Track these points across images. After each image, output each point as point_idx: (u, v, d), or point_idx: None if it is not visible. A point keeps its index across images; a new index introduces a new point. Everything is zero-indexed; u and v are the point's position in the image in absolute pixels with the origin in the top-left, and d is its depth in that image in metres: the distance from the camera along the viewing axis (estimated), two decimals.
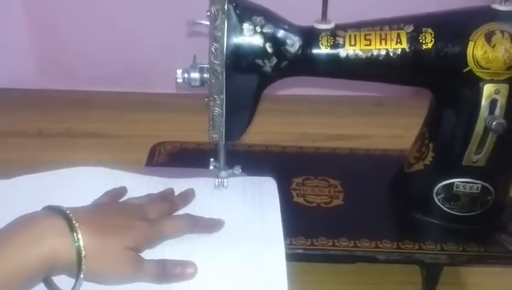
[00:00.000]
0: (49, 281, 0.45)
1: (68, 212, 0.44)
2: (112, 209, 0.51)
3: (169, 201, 0.56)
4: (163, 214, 0.53)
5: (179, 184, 0.60)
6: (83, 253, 0.43)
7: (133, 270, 0.47)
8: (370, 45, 0.51)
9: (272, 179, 0.61)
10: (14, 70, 0.91)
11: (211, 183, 0.59)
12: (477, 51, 0.50)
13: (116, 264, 0.46)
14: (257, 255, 0.52)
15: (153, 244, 0.50)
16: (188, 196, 0.58)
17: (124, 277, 0.47)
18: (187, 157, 0.67)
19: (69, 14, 0.88)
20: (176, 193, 0.59)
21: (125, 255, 0.46)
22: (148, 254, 0.50)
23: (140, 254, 0.49)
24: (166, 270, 0.48)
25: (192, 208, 0.57)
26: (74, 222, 0.43)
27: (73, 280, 0.44)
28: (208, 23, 0.49)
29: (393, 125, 0.80)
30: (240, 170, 0.58)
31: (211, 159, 0.59)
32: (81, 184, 0.59)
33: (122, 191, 0.57)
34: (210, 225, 0.54)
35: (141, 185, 0.60)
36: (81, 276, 0.43)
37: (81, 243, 0.43)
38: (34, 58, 0.92)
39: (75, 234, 0.43)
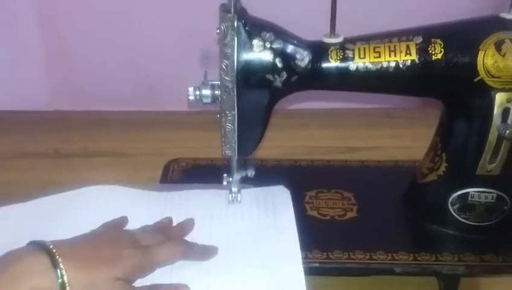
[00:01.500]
0: None
1: (51, 247, 0.43)
2: (100, 239, 0.49)
3: (164, 231, 0.54)
4: (156, 242, 0.51)
5: (192, 197, 0.60)
6: (67, 288, 0.42)
7: None
8: (379, 57, 0.50)
9: (284, 187, 0.61)
10: (30, 93, 0.92)
11: (224, 195, 0.59)
12: (487, 60, 0.49)
13: None
14: (275, 269, 0.51)
15: (146, 272, 0.48)
16: (185, 227, 0.56)
17: None
18: (200, 174, 0.67)
19: (82, 39, 0.89)
20: (187, 203, 0.58)
21: (113, 286, 0.44)
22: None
23: (132, 283, 0.47)
24: None
25: (207, 221, 0.56)
26: (57, 257, 0.42)
27: None
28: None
29: (402, 137, 0.79)
30: (254, 172, 0.57)
31: (224, 175, 0.58)
32: (96, 203, 0.58)
33: (122, 221, 0.55)
34: (203, 252, 0.52)
35: (157, 200, 0.60)
36: None
37: (65, 278, 0.42)
38: (49, 81, 0.93)
39: (58, 270, 0.42)
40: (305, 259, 0.52)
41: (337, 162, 0.70)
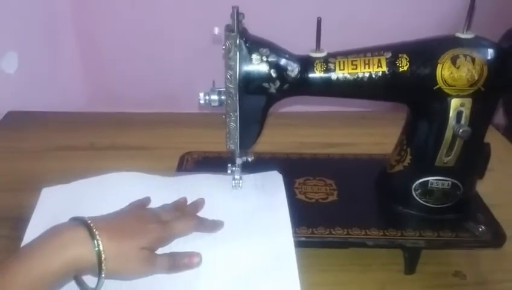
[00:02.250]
0: (79, 280, 0.44)
1: (89, 222, 0.43)
2: (128, 215, 0.50)
3: (180, 209, 0.54)
4: (174, 218, 0.51)
5: (203, 181, 0.60)
6: (103, 256, 0.42)
7: (147, 267, 0.46)
8: (356, 69, 0.50)
9: (277, 172, 0.61)
10: (70, 96, 0.92)
11: (229, 180, 0.58)
12: (444, 71, 0.49)
13: (132, 263, 0.45)
14: (271, 240, 0.51)
15: (166, 243, 0.49)
16: (198, 205, 0.56)
17: (140, 273, 0.46)
18: (209, 164, 0.66)
19: (114, 51, 0.89)
20: (198, 188, 0.58)
21: (140, 254, 0.45)
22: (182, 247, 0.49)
23: (155, 251, 0.47)
24: (176, 262, 0.47)
25: (215, 200, 0.56)
26: (94, 230, 0.43)
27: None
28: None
29: (375, 134, 0.79)
30: (253, 157, 0.57)
31: (229, 165, 0.58)
32: (123, 186, 0.58)
33: (145, 200, 0.55)
34: (212, 226, 0.53)
35: (174, 184, 0.59)
36: (103, 275, 0.42)
37: (101, 247, 0.42)
38: (86, 87, 0.93)
39: (95, 241, 0.42)
40: (294, 234, 0.52)
41: (322, 155, 0.69)
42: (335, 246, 0.55)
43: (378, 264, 0.55)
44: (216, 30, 0.49)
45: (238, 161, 0.56)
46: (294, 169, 0.65)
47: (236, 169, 0.57)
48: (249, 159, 0.57)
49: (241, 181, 0.58)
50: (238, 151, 0.55)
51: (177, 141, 0.77)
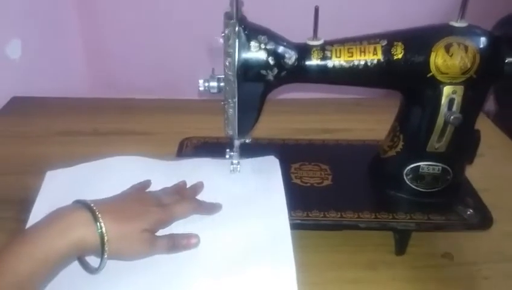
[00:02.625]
0: (83, 260, 0.44)
1: (92, 205, 0.43)
2: (130, 198, 0.49)
3: (180, 192, 0.54)
4: (174, 201, 0.50)
5: (202, 165, 0.59)
6: (106, 238, 0.42)
7: (148, 248, 0.45)
8: (352, 56, 0.49)
9: (274, 157, 0.60)
10: (74, 83, 0.91)
11: (227, 164, 0.58)
12: (438, 59, 0.48)
13: (134, 244, 0.44)
14: (268, 221, 0.51)
15: (166, 225, 0.49)
16: (197, 188, 0.55)
17: (141, 253, 0.45)
18: (208, 149, 0.65)
19: (117, 39, 0.88)
20: (198, 172, 0.57)
21: (141, 236, 0.45)
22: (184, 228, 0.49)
23: (156, 233, 0.47)
24: (176, 243, 0.47)
25: (214, 184, 0.56)
26: (97, 213, 0.42)
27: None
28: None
29: (369, 121, 0.78)
30: (250, 139, 0.56)
31: (227, 150, 0.57)
32: (124, 169, 0.58)
33: (146, 183, 0.55)
34: (211, 208, 0.52)
35: (174, 168, 0.59)
36: (105, 256, 0.42)
37: (104, 229, 0.42)
38: (89, 73, 0.91)
39: (98, 223, 0.42)
40: (290, 217, 0.52)
41: (317, 141, 0.69)
42: (329, 228, 0.54)
43: (370, 245, 0.55)
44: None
45: (236, 144, 0.56)
46: (291, 154, 0.64)
47: (235, 154, 0.57)
48: (247, 141, 0.56)
49: (239, 166, 0.58)
50: (236, 136, 0.54)
51: (177, 127, 0.76)
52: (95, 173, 0.57)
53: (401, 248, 0.54)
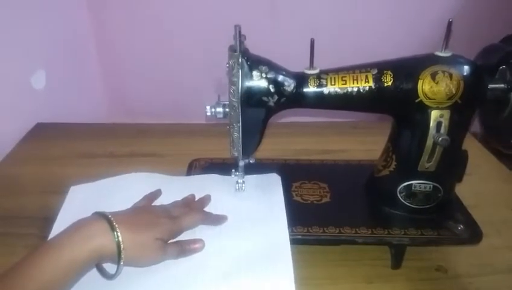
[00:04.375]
0: (100, 267, 0.45)
1: (110, 216, 0.44)
2: (144, 210, 0.50)
3: (189, 204, 0.55)
4: (183, 213, 0.52)
5: (207, 180, 0.60)
6: (122, 246, 0.42)
7: (160, 255, 0.46)
8: (346, 84, 0.51)
9: (276, 174, 0.61)
10: (91, 109, 0.93)
11: (232, 181, 0.58)
12: (425, 86, 0.49)
13: (147, 251, 0.45)
14: (268, 234, 0.51)
15: (176, 234, 0.50)
16: (204, 201, 0.56)
17: (154, 260, 0.46)
18: (215, 170, 0.66)
19: (132, 68, 0.90)
20: (205, 187, 0.58)
21: (154, 244, 0.45)
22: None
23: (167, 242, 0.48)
24: (183, 248, 0.48)
25: (220, 197, 0.57)
26: (114, 223, 0.43)
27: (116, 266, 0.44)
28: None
29: (365, 142, 0.79)
30: (254, 160, 0.56)
31: (233, 170, 0.58)
32: (140, 184, 0.59)
33: (157, 193, 0.57)
34: (217, 219, 0.53)
35: (183, 182, 0.60)
36: (121, 263, 0.43)
37: (120, 239, 0.43)
38: (106, 101, 0.93)
39: (115, 233, 0.43)
40: (291, 233, 0.52)
41: (316, 161, 0.69)
42: (328, 243, 0.54)
43: (367, 259, 0.55)
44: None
45: (241, 164, 0.56)
46: (292, 174, 0.64)
47: (240, 174, 0.58)
48: (251, 161, 0.57)
49: (243, 185, 0.58)
50: (241, 157, 0.55)
51: (186, 149, 0.77)
52: (114, 187, 0.58)
53: (396, 262, 0.54)
